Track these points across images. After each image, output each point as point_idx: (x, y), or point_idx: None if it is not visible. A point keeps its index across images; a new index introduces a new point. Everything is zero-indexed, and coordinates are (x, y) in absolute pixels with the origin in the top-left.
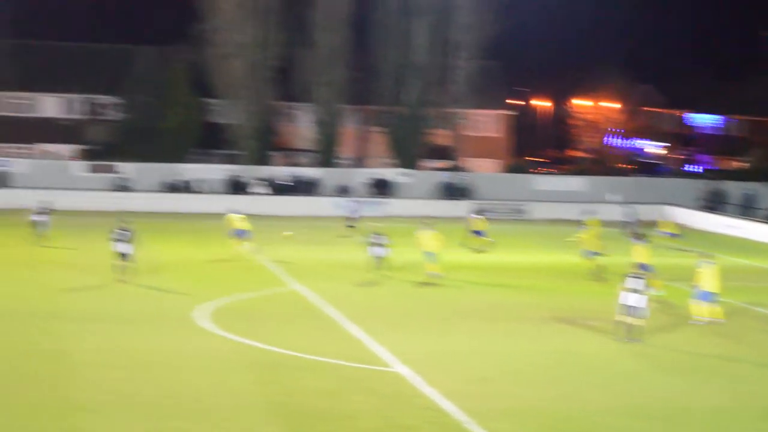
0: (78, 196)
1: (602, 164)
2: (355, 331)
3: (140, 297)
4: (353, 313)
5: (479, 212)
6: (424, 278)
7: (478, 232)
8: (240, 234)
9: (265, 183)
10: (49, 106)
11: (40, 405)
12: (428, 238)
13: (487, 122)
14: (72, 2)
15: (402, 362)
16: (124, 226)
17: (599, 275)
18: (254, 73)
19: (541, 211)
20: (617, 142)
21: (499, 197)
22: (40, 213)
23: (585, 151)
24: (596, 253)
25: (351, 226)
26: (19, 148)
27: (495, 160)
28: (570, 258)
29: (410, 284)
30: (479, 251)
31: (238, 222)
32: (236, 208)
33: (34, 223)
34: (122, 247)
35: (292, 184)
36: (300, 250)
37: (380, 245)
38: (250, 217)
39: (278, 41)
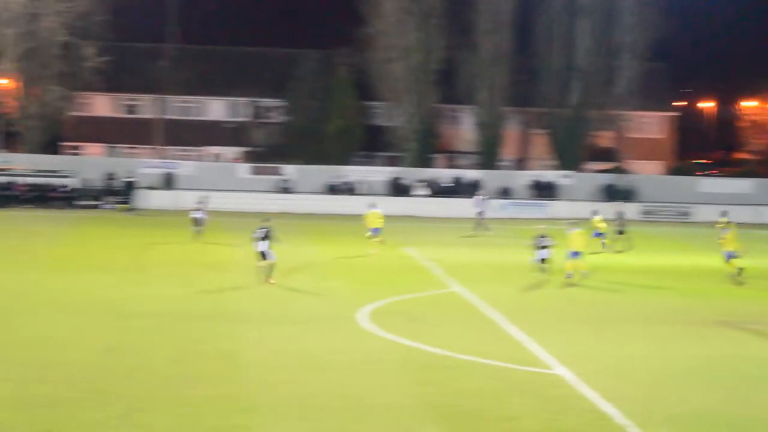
0: (242, 197)
1: None
2: (515, 332)
3: (303, 298)
4: (514, 315)
5: (595, 213)
6: (565, 281)
7: (599, 234)
8: (374, 232)
9: (426, 185)
10: (215, 109)
11: (205, 404)
12: (576, 238)
13: (650, 124)
14: (238, 8)
15: (563, 364)
16: (264, 224)
17: (737, 277)
18: (417, 76)
19: (706, 213)
20: None
21: (663, 199)
22: (197, 210)
23: (752, 152)
24: (734, 255)
25: (482, 227)
26: (186, 150)
27: (659, 162)
28: (736, 261)
29: (571, 287)
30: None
31: (374, 219)
32: (374, 204)
33: (194, 221)
34: (262, 246)
35: (453, 186)
36: (461, 251)
37: (545, 247)
38: (412, 218)
39: (441, 44)
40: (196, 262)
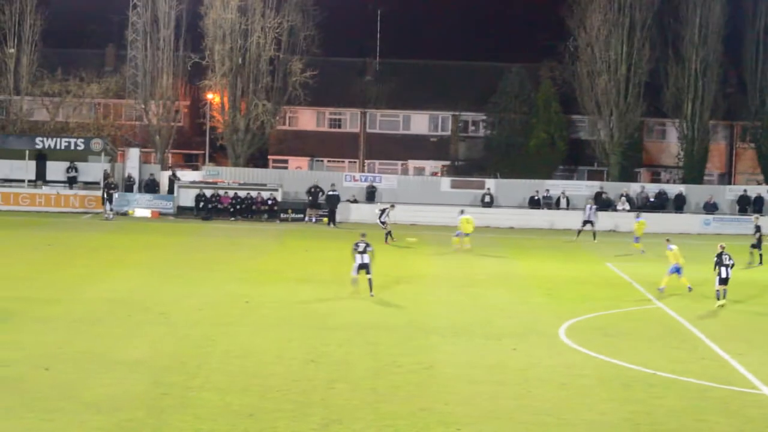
0: (443, 211)
1: None
2: (719, 350)
3: (502, 311)
4: (716, 332)
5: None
6: None
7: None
8: (459, 234)
9: (629, 199)
10: (418, 123)
11: (403, 417)
12: None
13: None
14: (442, 21)
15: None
16: (364, 239)
17: None
18: (622, 89)
19: None
20: None
21: None
22: (380, 215)
23: None
24: None
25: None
26: (388, 164)
27: None
28: None
29: None
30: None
31: (465, 224)
32: (466, 210)
33: (384, 225)
34: (364, 259)
35: (656, 200)
36: (663, 267)
37: (726, 265)
38: (614, 233)
39: (647, 56)
40: (393, 276)
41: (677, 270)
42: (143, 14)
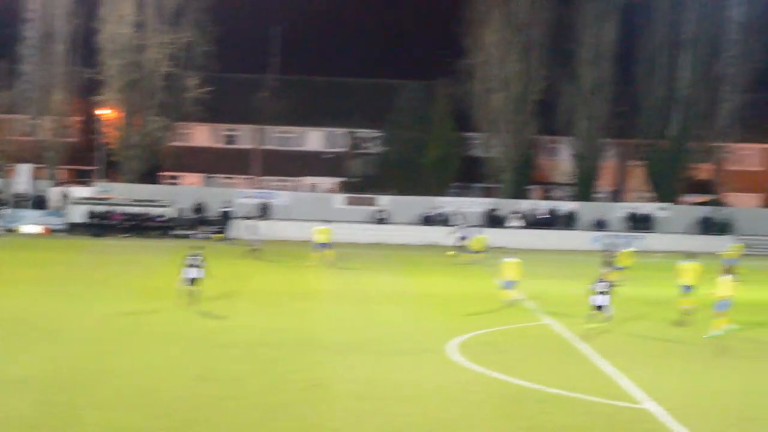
0: (337, 228)
1: None
2: (606, 366)
3: (393, 328)
4: (604, 348)
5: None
6: (677, 314)
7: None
8: (321, 246)
9: (522, 217)
10: (313, 140)
11: None
12: (689, 271)
13: (750, 156)
14: (338, 39)
15: (654, 400)
16: (195, 251)
17: None
18: (516, 107)
19: None
20: None
21: (761, 232)
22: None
23: None
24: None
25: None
26: (283, 180)
27: (758, 195)
28: None
29: (664, 320)
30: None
31: (319, 234)
32: (322, 221)
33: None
34: (193, 273)
35: (548, 217)
36: (554, 284)
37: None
38: (506, 250)
39: (541, 75)
40: (286, 292)
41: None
42: (36, 28)
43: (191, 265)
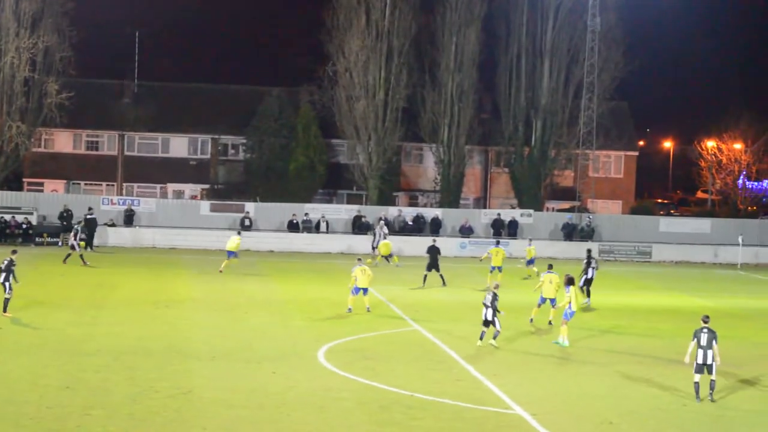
0: (202, 235)
1: (729, 206)
2: (473, 372)
3: (261, 335)
4: (472, 354)
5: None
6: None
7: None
8: (230, 255)
9: (387, 223)
10: (178, 146)
11: None
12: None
13: (611, 163)
14: (203, 44)
15: (521, 404)
16: (11, 257)
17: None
18: (380, 114)
19: (666, 253)
20: (745, 183)
21: (623, 239)
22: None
23: (712, 192)
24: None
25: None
26: (147, 187)
27: (619, 201)
28: (695, 300)
29: (527, 326)
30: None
31: (232, 244)
32: (236, 230)
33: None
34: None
35: (411, 224)
36: (421, 290)
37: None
38: (372, 256)
39: (405, 82)
40: (152, 300)
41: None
42: None
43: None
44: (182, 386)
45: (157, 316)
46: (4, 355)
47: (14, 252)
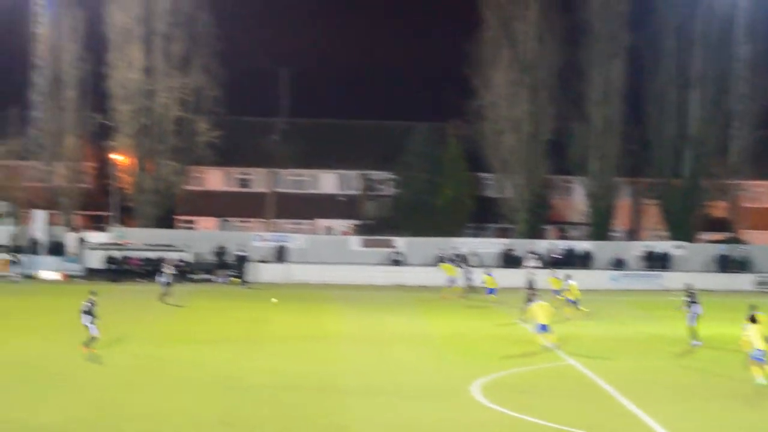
0: (353, 270)
1: None
2: (630, 406)
3: (414, 370)
4: (629, 388)
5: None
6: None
7: (556, 292)
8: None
9: (538, 257)
10: (327, 182)
11: None
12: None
13: (765, 193)
14: (349, 81)
15: None
16: (91, 298)
17: None
18: (527, 147)
19: None
20: None
21: None
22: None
23: None
24: None
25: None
26: (297, 223)
27: None
28: None
29: (688, 358)
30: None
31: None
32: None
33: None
34: (85, 320)
35: (561, 257)
36: (575, 324)
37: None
38: (524, 290)
39: (551, 115)
40: (306, 336)
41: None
42: (46, 75)
43: (85, 312)
44: (338, 422)
45: (310, 352)
46: (163, 392)
47: (93, 293)
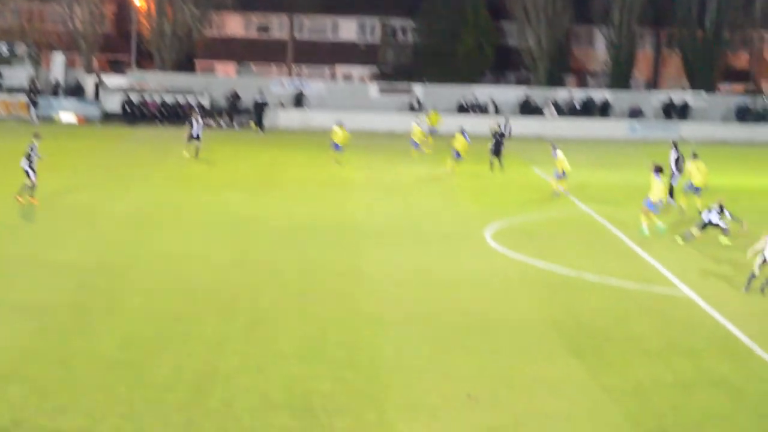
0: (371, 117)
1: None
2: (641, 253)
3: (429, 215)
4: (641, 237)
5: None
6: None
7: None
8: (336, 147)
9: (557, 105)
10: (347, 29)
11: (330, 318)
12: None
13: None
14: None
15: (690, 286)
16: (34, 142)
17: None
18: None
19: None
20: None
21: None
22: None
23: None
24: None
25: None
26: (316, 69)
27: None
28: None
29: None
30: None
31: (337, 135)
32: (340, 121)
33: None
34: (24, 164)
35: (578, 108)
36: (588, 172)
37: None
38: (541, 139)
39: None
40: (323, 181)
41: (562, 174)
42: None
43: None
44: (352, 264)
45: (325, 196)
46: (179, 233)
47: (36, 136)
